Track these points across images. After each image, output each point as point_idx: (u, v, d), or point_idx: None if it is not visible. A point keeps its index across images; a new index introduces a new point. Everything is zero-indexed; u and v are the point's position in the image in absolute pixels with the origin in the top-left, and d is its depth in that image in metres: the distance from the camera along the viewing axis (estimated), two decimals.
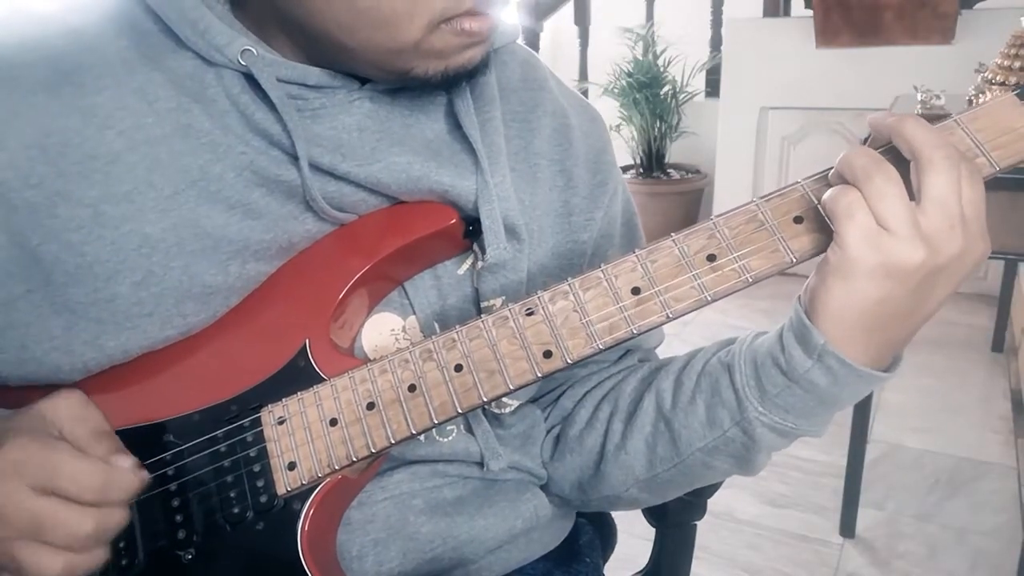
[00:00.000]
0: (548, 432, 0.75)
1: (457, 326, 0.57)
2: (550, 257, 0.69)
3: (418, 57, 0.56)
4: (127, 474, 0.53)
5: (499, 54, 0.69)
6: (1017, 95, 0.53)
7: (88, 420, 0.54)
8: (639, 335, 0.55)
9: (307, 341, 0.59)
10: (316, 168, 0.59)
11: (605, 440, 0.69)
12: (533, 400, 0.75)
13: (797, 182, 0.54)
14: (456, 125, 0.64)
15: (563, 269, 0.69)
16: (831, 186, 0.53)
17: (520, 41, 0.73)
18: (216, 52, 0.58)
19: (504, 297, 0.64)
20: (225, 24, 0.59)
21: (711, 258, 0.54)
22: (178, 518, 0.57)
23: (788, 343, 0.56)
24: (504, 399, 0.65)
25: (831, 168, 0.54)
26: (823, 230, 0.53)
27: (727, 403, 0.61)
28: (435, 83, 0.58)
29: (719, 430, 0.62)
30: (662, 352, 0.79)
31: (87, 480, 0.51)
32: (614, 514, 0.91)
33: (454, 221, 0.62)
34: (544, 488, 0.76)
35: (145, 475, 0.55)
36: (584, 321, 0.55)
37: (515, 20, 0.70)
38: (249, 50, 0.57)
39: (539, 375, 0.55)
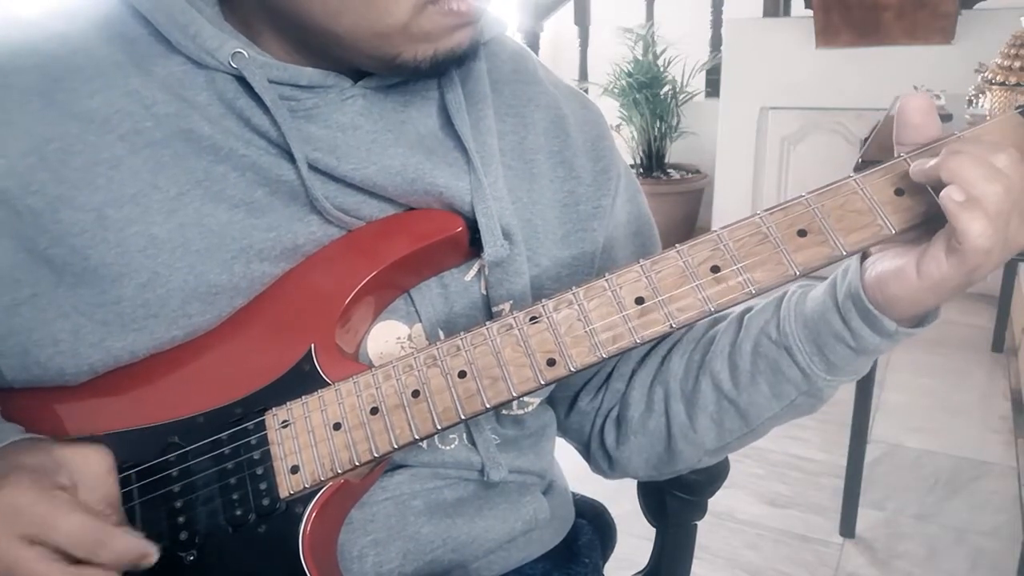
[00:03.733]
0: (607, 415, 0.74)
1: (462, 333, 0.57)
2: (561, 247, 0.69)
3: (406, 41, 0.56)
4: (124, 538, 0.51)
5: (489, 46, 0.69)
6: (1021, 113, 0.53)
7: (102, 488, 0.54)
8: (642, 344, 0.55)
9: (312, 346, 0.59)
10: (314, 169, 0.59)
11: (669, 422, 0.69)
12: (582, 387, 0.75)
13: (800, 196, 0.55)
14: (448, 122, 0.64)
15: (576, 259, 0.69)
16: (835, 198, 0.53)
17: (520, 39, 0.73)
18: (207, 55, 0.58)
19: (512, 300, 0.64)
20: (215, 27, 0.59)
21: (715, 269, 0.54)
22: (180, 519, 0.57)
23: (854, 324, 0.57)
24: (525, 398, 0.66)
25: (835, 182, 0.54)
26: (827, 243, 0.53)
27: (792, 379, 0.63)
28: (424, 69, 0.58)
29: (786, 400, 0.64)
30: None
31: (80, 536, 0.50)
32: (614, 514, 0.91)
33: (460, 229, 0.62)
34: (613, 471, 0.76)
35: (148, 548, 0.52)
36: (588, 330, 0.55)
37: (502, 12, 0.70)
38: (240, 52, 0.58)
39: (542, 383, 0.55)
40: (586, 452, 0.79)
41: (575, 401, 0.76)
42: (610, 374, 0.75)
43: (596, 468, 0.79)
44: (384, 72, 0.61)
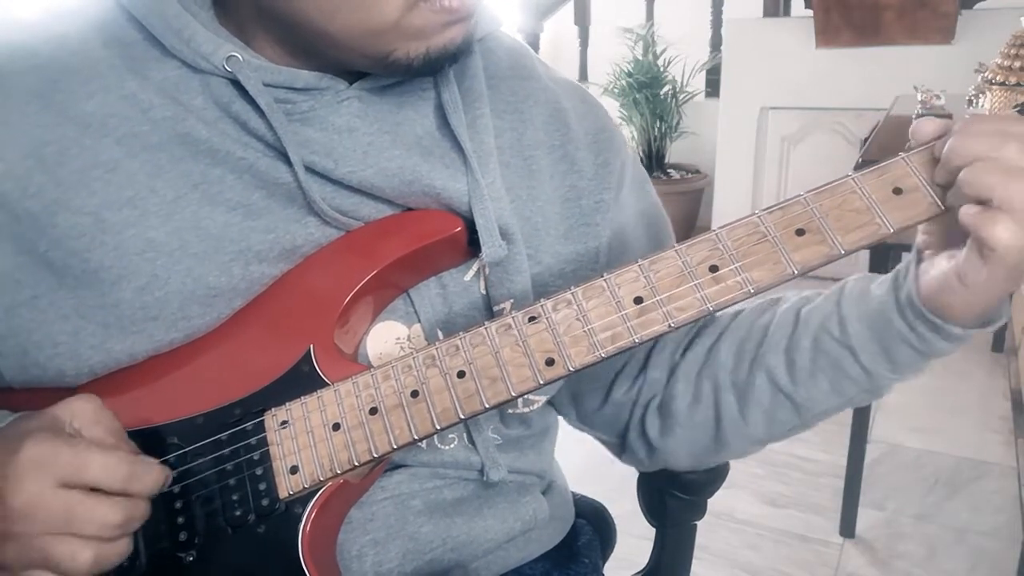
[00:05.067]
0: (647, 405, 0.73)
1: (461, 333, 0.57)
2: (563, 243, 0.69)
3: (399, 38, 0.56)
4: (151, 467, 0.54)
5: (485, 42, 0.69)
6: (1020, 111, 0.53)
7: (104, 422, 0.55)
8: (641, 344, 0.55)
9: (312, 346, 0.59)
10: (311, 171, 0.59)
11: (719, 414, 0.68)
12: (615, 378, 0.74)
13: (799, 195, 0.55)
14: (445, 122, 0.64)
15: (579, 255, 0.69)
16: (833, 197, 0.53)
17: (520, 39, 0.73)
18: (202, 59, 0.58)
19: (512, 299, 0.64)
20: (210, 31, 0.59)
21: (714, 269, 0.54)
22: (180, 520, 0.57)
23: (919, 330, 0.57)
24: (530, 396, 0.65)
25: (833, 181, 0.54)
26: (825, 242, 0.53)
27: (854, 378, 0.62)
28: (418, 67, 0.58)
29: (845, 397, 0.64)
30: None
31: (114, 470, 0.51)
32: (614, 514, 0.91)
33: (459, 229, 0.62)
34: (651, 460, 0.75)
35: (168, 471, 0.56)
36: (587, 329, 0.55)
37: (498, 8, 0.70)
38: (235, 56, 0.58)
39: (541, 382, 0.55)
40: (620, 442, 0.77)
41: (610, 392, 0.74)
42: (646, 363, 0.73)
43: (630, 458, 0.78)
44: (378, 71, 0.60)
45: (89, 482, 0.51)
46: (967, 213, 0.50)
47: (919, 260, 0.58)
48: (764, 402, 0.66)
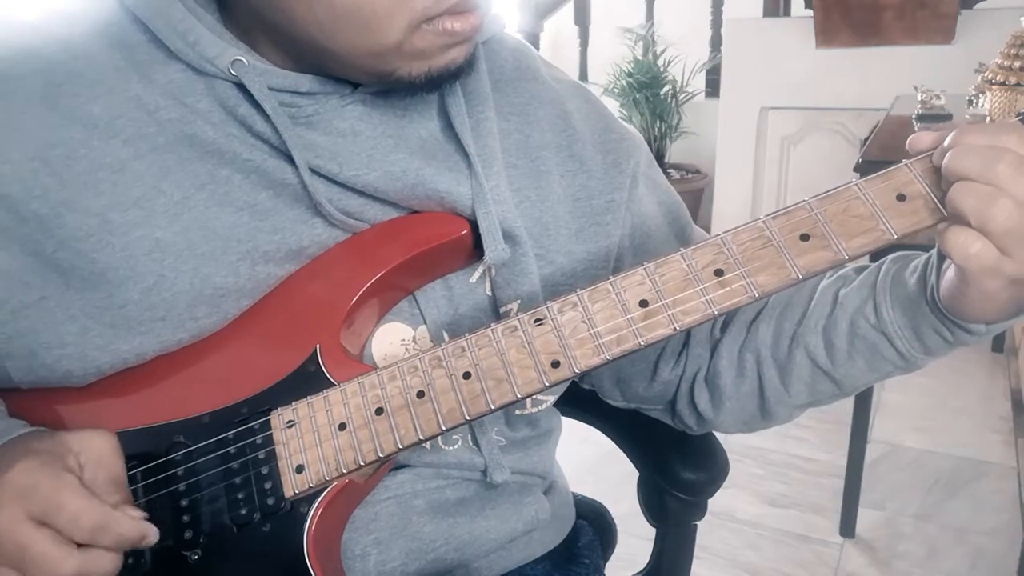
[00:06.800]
0: (694, 379, 0.74)
1: (467, 334, 0.58)
2: (575, 242, 0.69)
3: (401, 58, 0.56)
4: (128, 522, 0.52)
5: (488, 44, 0.69)
6: (1022, 121, 0.53)
7: (111, 468, 0.54)
8: (646, 347, 0.55)
9: (318, 346, 0.60)
10: (317, 174, 0.59)
11: (762, 386, 0.70)
12: (659, 355, 0.75)
13: (803, 200, 0.55)
14: (449, 124, 0.64)
15: (591, 254, 0.69)
16: (837, 203, 0.54)
17: (519, 36, 0.73)
18: (207, 63, 0.58)
19: (519, 300, 0.65)
20: (215, 35, 0.59)
21: (719, 273, 0.55)
22: (185, 518, 0.58)
23: (947, 324, 0.58)
24: (538, 396, 0.65)
25: (837, 187, 0.54)
26: (829, 247, 0.54)
27: (890, 359, 0.64)
28: (420, 84, 0.58)
29: (882, 372, 0.66)
30: None
31: (83, 519, 0.50)
32: (614, 514, 0.92)
33: (464, 232, 0.62)
34: (700, 427, 0.77)
35: (150, 529, 0.54)
36: (592, 332, 0.55)
37: (501, 10, 0.70)
38: (240, 60, 0.58)
39: (546, 384, 0.56)
40: (670, 413, 0.79)
41: (655, 372, 0.75)
42: (687, 339, 0.74)
43: (680, 424, 0.79)
44: (380, 86, 0.61)
45: (57, 525, 0.50)
46: (938, 231, 0.52)
47: (942, 256, 0.58)
48: (804, 376, 0.68)
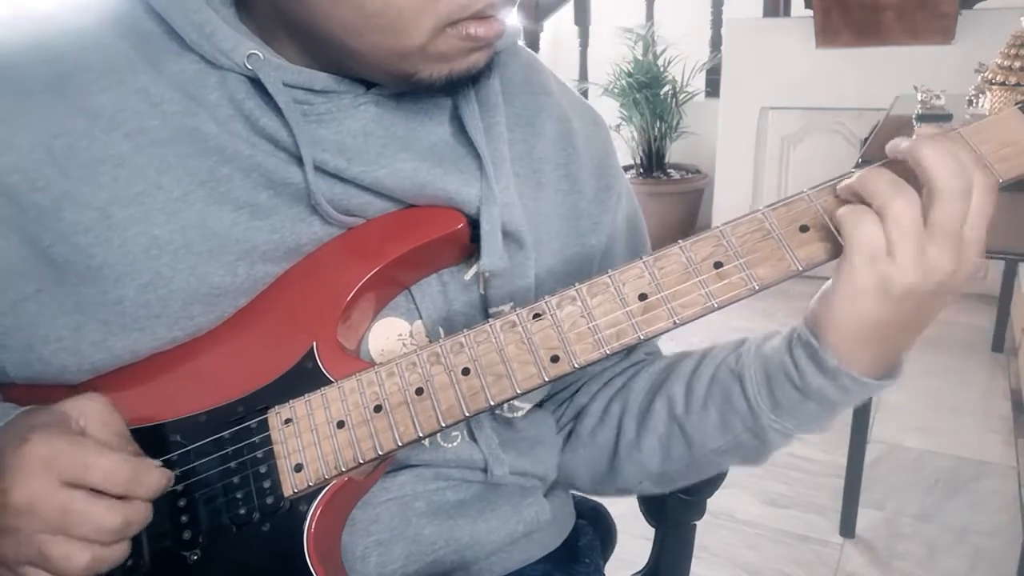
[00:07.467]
0: (564, 427, 0.76)
1: (465, 330, 0.57)
2: (559, 261, 0.69)
3: (423, 61, 0.56)
4: (153, 470, 0.54)
5: (501, 56, 0.69)
6: (1020, 108, 0.53)
7: (111, 423, 0.55)
8: (646, 341, 0.55)
9: (315, 343, 0.59)
10: (322, 171, 0.59)
11: (618, 438, 0.71)
12: (548, 398, 0.75)
13: (802, 192, 0.55)
14: (461, 129, 0.64)
15: (571, 274, 0.70)
16: (837, 196, 0.54)
17: (520, 42, 0.73)
18: (222, 56, 0.58)
19: (513, 303, 0.65)
20: (231, 28, 0.59)
21: (718, 265, 0.54)
22: (184, 519, 0.57)
23: (800, 361, 0.58)
24: (515, 403, 0.66)
25: (836, 179, 0.54)
26: (829, 239, 0.53)
27: (739, 411, 0.63)
28: (439, 87, 0.58)
29: (731, 434, 0.64)
30: (663, 346, 0.80)
31: (116, 474, 0.51)
32: (614, 514, 0.91)
33: (461, 226, 0.62)
34: (556, 479, 0.77)
35: (170, 474, 0.56)
36: (591, 326, 0.55)
37: (516, 21, 0.70)
38: (256, 54, 0.58)
39: (546, 379, 0.55)
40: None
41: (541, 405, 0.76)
42: (577, 390, 0.76)
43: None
44: (399, 88, 0.61)
45: (92, 483, 0.51)
46: (848, 220, 0.52)
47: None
48: (660, 430, 0.68)
